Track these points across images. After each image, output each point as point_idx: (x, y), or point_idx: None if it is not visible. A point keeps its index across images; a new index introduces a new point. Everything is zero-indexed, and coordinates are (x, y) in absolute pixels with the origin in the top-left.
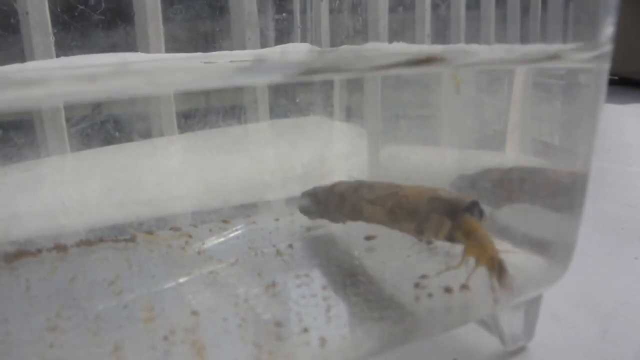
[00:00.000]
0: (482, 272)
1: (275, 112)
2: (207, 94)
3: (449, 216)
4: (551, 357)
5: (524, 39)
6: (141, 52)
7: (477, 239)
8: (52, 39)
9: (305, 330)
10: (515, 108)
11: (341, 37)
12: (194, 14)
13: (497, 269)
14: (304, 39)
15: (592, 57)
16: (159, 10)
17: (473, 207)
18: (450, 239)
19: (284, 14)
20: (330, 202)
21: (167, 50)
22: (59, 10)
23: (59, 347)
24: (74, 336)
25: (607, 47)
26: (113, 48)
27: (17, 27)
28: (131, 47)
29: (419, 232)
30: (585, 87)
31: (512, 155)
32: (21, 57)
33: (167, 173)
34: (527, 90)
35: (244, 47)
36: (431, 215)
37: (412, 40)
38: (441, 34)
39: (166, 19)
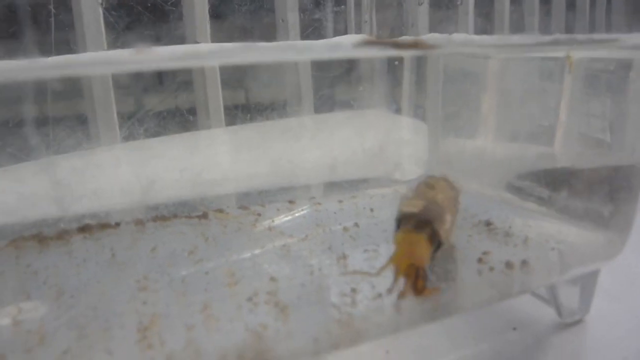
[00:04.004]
0: (538, 248)
1: (340, 104)
2: (277, 85)
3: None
4: (606, 330)
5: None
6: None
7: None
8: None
9: (379, 296)
10: (572, 102)
11: (400, 28)
12: (257, 5)
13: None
14: (358, 31)
15: None
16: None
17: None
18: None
19: (342, 6)
20: None
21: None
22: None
23: (152, 305)
24: (164, 295)
25: None
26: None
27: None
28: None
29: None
30: None
31: (570, 149)
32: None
33: (238, 157)
34: (584, 83)
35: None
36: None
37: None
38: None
39: (231, 12)
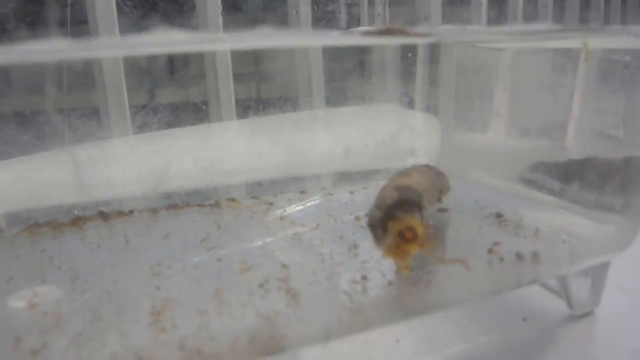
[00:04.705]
0: (549, 239)
1: (352, 97)
2: (289, 78)
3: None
4: (616, 322)
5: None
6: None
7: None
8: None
9: (390, 284)
10: (585, 95)
11: (413, 22)
12: None
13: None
14: (371, 24)
15: None
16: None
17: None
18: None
19: None
20: None
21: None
22: None
23: (165, 290)
24: (177, 281)
25: None
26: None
27: None
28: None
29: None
30: None
31: (582, 143)
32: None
33: (250, 148)
34: (598, 76)
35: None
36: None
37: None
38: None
39: (244, 3)
